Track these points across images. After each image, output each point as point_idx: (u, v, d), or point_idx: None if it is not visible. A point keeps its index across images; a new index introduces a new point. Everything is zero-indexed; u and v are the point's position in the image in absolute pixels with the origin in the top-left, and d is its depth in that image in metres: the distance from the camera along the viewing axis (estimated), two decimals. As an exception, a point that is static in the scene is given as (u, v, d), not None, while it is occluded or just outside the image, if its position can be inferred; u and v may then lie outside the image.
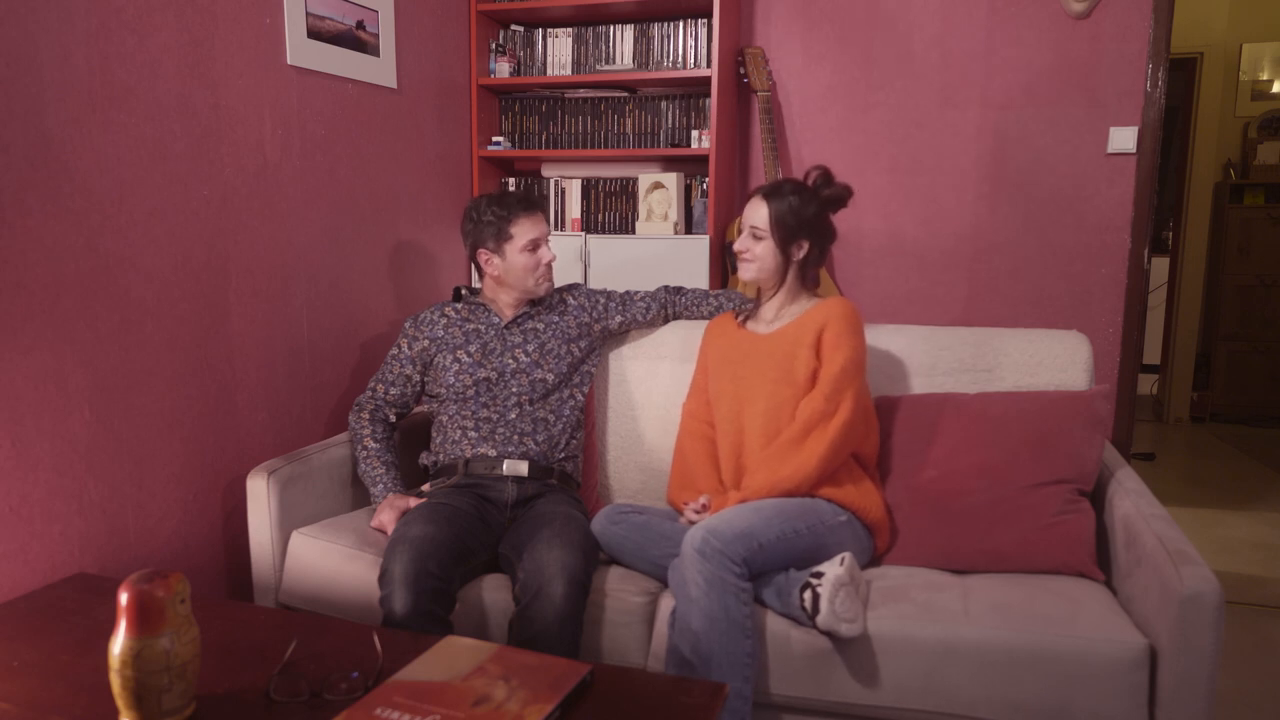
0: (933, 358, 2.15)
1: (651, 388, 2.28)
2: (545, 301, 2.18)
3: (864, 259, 3.13)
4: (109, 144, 1.76)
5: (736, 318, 2.08)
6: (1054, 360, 2.07)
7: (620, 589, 1.78)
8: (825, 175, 1.99)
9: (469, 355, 2.09)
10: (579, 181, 3.12)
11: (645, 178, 3.00)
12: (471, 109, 3.06)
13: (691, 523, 1.88)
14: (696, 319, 2.31)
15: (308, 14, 2.25)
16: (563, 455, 2.08)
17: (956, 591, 1.72)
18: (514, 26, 3.12)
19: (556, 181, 3.15)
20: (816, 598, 1.58)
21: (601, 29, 3.02)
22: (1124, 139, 2.83)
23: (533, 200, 2.12)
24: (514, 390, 2.06)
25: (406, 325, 2.18)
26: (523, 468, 1.99)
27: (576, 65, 3.05)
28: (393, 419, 2.16)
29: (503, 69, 3.08)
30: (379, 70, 2.54)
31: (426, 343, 2.13)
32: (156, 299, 1.89)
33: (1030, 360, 2.09)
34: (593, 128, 3.07)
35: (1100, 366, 2.92)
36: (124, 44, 1.78)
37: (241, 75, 2.07)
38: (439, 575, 1.67)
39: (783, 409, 1.88)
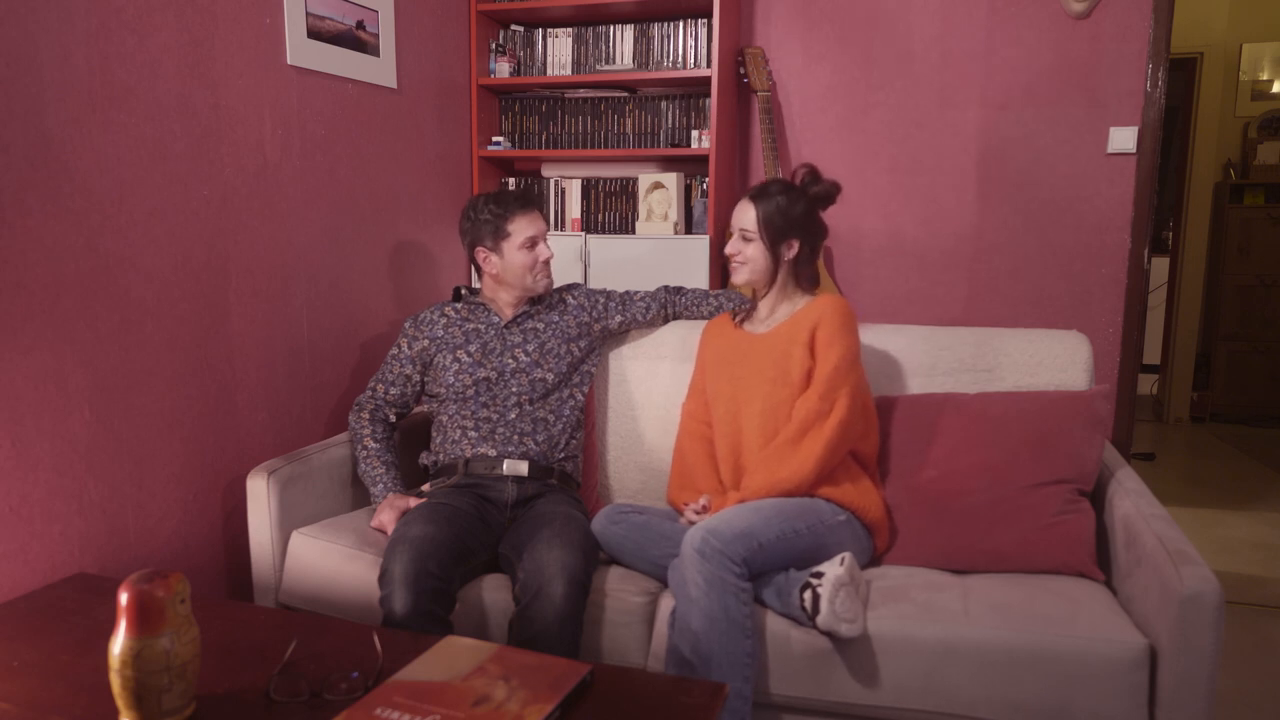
0: (933, 358, 2.15)
1: (651, 388, 2.28)
2: (545, 301, 2.18)
3: (864, 259, 3.13)
4: (109, 144, 1.76)
5: (734, 318, 2.09)
6: (1054, 360, 2.07)
7: (620, 589, 1.78)
8: (812, 173, 2.00)
9: (469, 355, 2.09)
10: (579, 181, 3.12)
11: (645, 178, 3.00)
12: (471, 109, 3.06)
13: (692, 523, 1.88)
14: (696, 319, 2.31)
15: (308, 14, 2.25)
16: (562, 455, 2.08)
17: (956, 591, 1.72)
18: (514, 26, 3.12)
19: (556, 181, 3.15)
20: (816, 598, 1.58)
21: (601, 29, 3.02)
22: (1124, 139, 2.83)
23: (530, 198, 2.13)
24: (514, 390, 2.06)
25: (406, 325, 2.18)
26: (523, 467, 1.99)
27: (576, 65, 3.05)
28: (393, 419, 2.16)
29: (503, 69, 3.09)
30: (379, 70, 2.54)
31: (426, 342, 2.13)
32: (156, 299, 1.89)
33: (1030, 360, 2.09)
34: (593, 128, 3.07)
35: (1100, 366, 2.92)
36: (124, 44, 1.78)
37: (241, 75, 2.07)
38: (439, 575, 1.67)
39: (780, 409, 1.88)
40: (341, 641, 1.37)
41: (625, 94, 3.04)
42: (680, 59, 2.96)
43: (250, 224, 2.13)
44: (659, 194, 3.00)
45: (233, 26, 2.04)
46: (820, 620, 1.56)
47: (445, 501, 1.87)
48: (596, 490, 2.28)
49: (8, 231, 1.58)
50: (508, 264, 2.08)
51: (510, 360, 2.08)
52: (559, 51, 3.07)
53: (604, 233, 3.09)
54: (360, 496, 2.21)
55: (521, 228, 2.07)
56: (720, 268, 2.98)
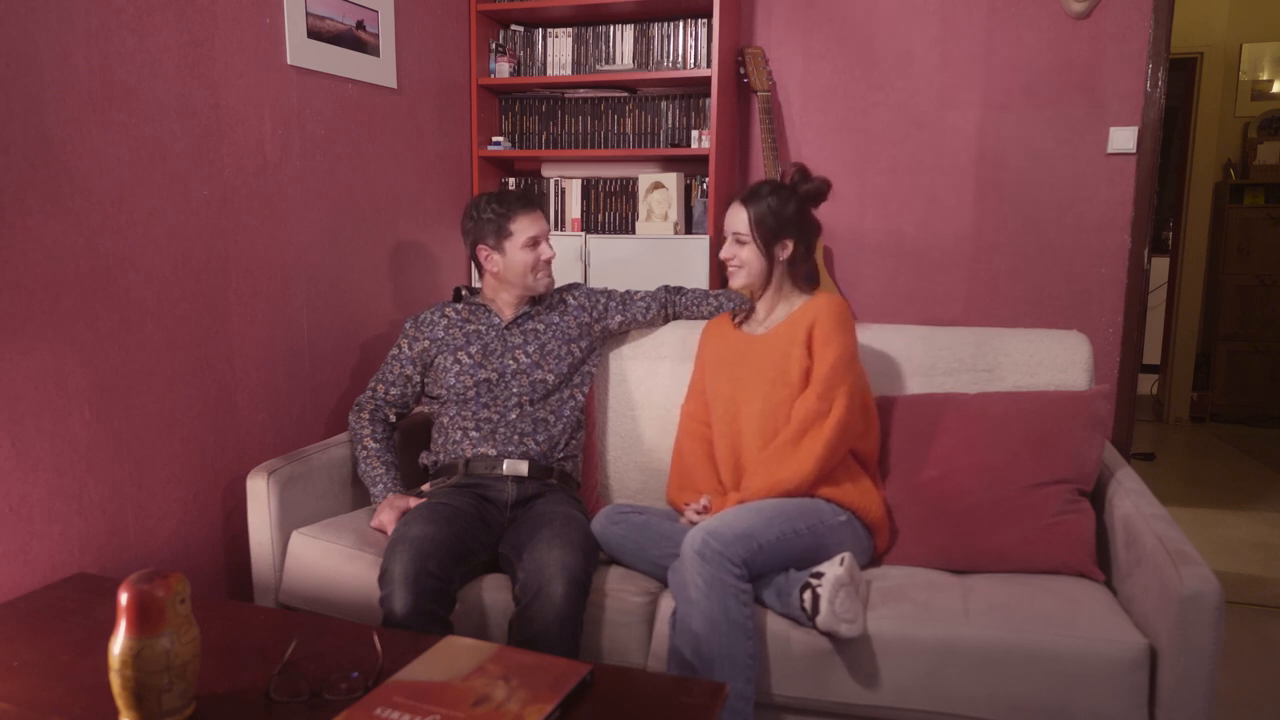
0: (933, 358, 2.15)
1: (651, 388, 2.28)
2: (546, 301, 2.18)
3: (864, 259, 3.13)
4: (109, 144, 1.76)
5: (733, 319, 2.09)
6: (1054, 360, 2.07)
7: (620, 589, 1.78)
8: (802, 171, 2.00)
9: (470, 356, 2.09)
10: (579, 181, 3.12)
11: (645, 178, 3.00)
12: (471, 109, 3.06)
13: (692, 523, 1.88)
14: (697, 319, 2.31)
15: (308, 14, 2.25)
16: (562, 455, 2.08)
17: (956, 591, 1.72)
18: (514, 26, 3.12)
19: (556, 181, 3.15)
20: (816, 598, 1.58)
21: (601, 29, 3.02)
22: (1124, 139, 2.83)
23: (532, 198, 2.13)
24: (514, 391, 2.06)
25: (407, 326, 2.18)
26: (523, 467, 1.99)
27: (576, 65, 3.05)
28: (393, 419, 2.16)
29: (503, 69, 3.08)
30: (379, 70, 2.54)
31: (427, 343, 2.13)
32: (156, 299, 1.89)
33: (1030, 360, 2.09)
34: (593, 128, 3.07)
35: (1100, 366, 2.92)
36: (124, 44, 1.78)
37: (241, 75, 2.07)
38: (439, 575, 1.67)
39: (779, 409, 1.88)
40: (341, 641, 1.37)
41: (625, 94, 3.04)
42: (680, 59, 2.95)
43: (250, 224, 2.13)
44: (659, 194, 3.00)
45: (233, 26, 2.04)
46: (820, 620, 1.56)
47: (445, 501, 1.87)
48: (596, 490, 2.28)
49: (8, 231, 1.58)
50: (510, 263, 2.08)
51: (511, 361, 2.08)
52: (559, 51, 3.07)
53: (604, 233, 3.09)
54: (360, 496, 2.21)
55: (524, 227, 2.07)
56: (720, 268, 2.97)
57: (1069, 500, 1.83)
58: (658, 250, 2.93)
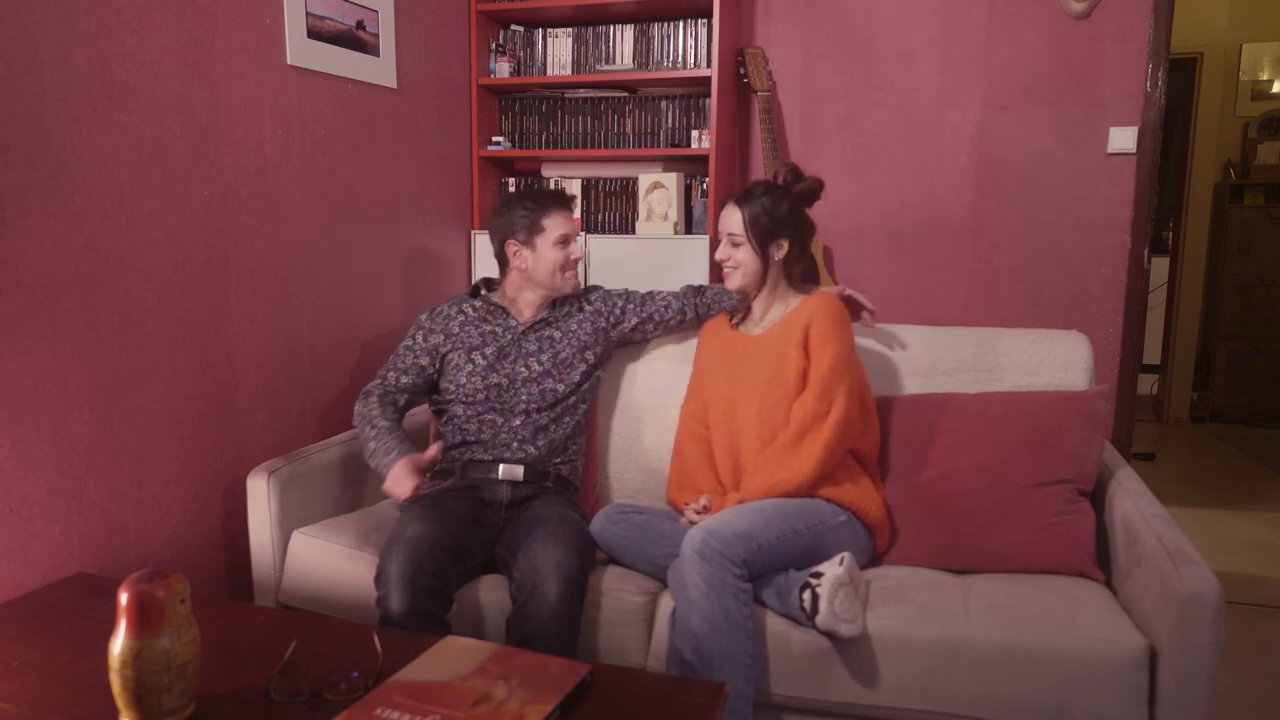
0: (933, 358, 2.15)
1: (651, 387, 2.28)
2: (564, 307, 2.15)
3: (864, 259, 3.13)
4: (109, 144, 1.76)
5: (730, 319, 2.09)
6: (1054, 360, 2.07)
7: (620, 588, 1.78)
8: (794, 171, 2.00)
9: (484, 358, 2.06)
10: (579, 181, 3.11)
11: (645, 178, 3.00)
12: (471, 109, 3.06)
13: (692, 523, 1.88)
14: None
15: (308, 14, 2.25)
16: (560, 460, 2.07)
17: (956, 591, 1.72)
18: (514, 26, 3.12)
19: (556, 181, 3.15)
20: (816, 598, 1.58)
21: (601, 29, 3.02)
22: (1124, 139, 2.83)
23: (565, 198, 2.12)
24: (523, 398, 2.03)
25: (422, 318, 2.15)
26: (518, 472, 1.98)
27: (576, 65, 3.05)
28: (402, 404, 2.11)
29: (503, 69, 3.08)
30: (379, 70, 2.54)
31: (441, 337, 2.10)
32: (156, 299, 1.89)
33: (1030, 360, 2.09)
34: (593, 128, 3.07)
35: (1100, 366, 2.92)
36: (124, 44, 1.78)
37: (241, 75, 2.07)
38: (435, 575, 1.67)
39: (776, 410, 1.88)
40: (341, 641, 1.37)
41: (625, 94, 3.04)
42: (680, 59, 2.95)
43: (250, 224, 2.13)
44: (659, 194, 3.00)
45: (233, 26, 2.04)
46: (819, 620, 1.56)
47: (440, 503, 1.87)
48: (596, 491, 2.28)
49: (8, 231, 1.58)
50: (539, 259, 2.05)
51: (523, 369, 2.06)
52: (559, 51, 3.07)
53: (604, 233, 3.09)
54: (360, 496, 2.21)
55: (557, 224, 2.05)
56: (718, 268, 2.97)
57: (1069, 500, 1.83)
58: (658, 250, 2.93)
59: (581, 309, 2.18)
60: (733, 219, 1.95)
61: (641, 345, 2.32)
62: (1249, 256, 5.11)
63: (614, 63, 3.02)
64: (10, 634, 1.41)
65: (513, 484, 1.98)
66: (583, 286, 2.20)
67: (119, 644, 1.11)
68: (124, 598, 1.11)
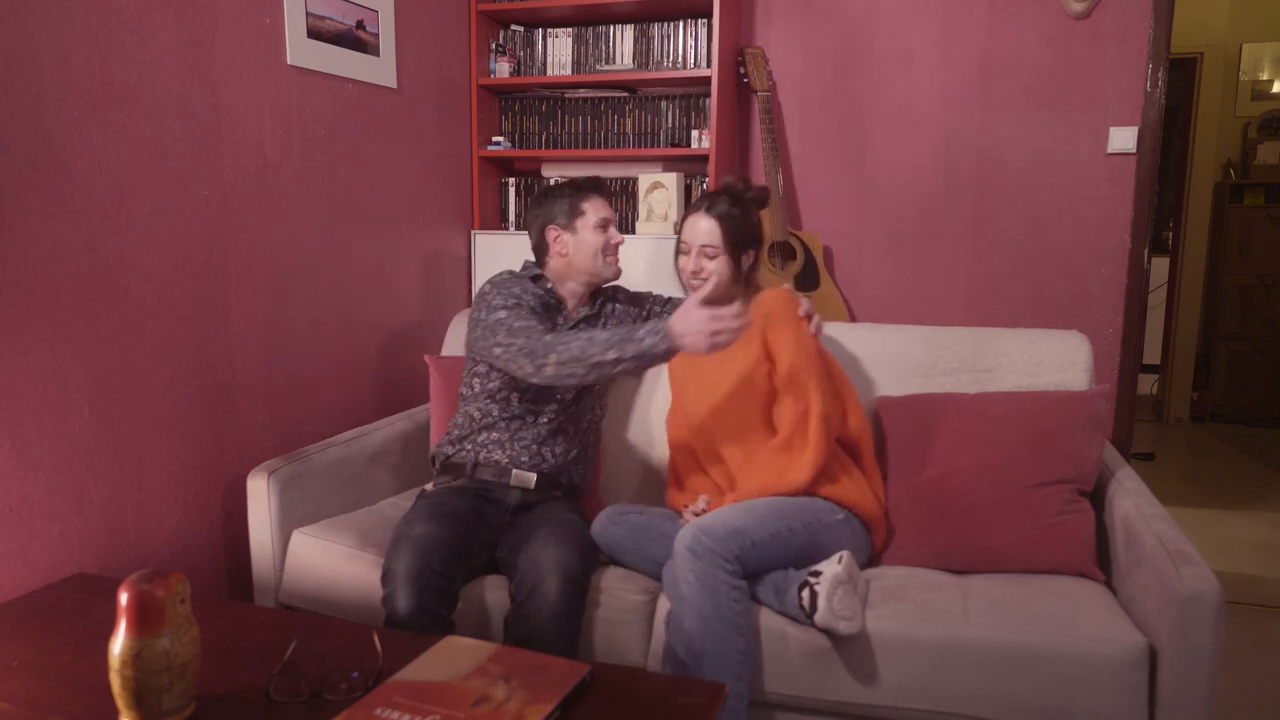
0: (933, 358, 2.15)
1: (652, 389, 2.28)
2: (604, 305, 2.11)
3: (864, 259, 3.13)
4: (109, 144, 1.76)
5: None
6: (1054, 360, 2.07)
7: (620, 588, 1.78)
8: (743, 179, 2.00)
9: None
10: (579, 181, 3.11)
11: (645, 178, 3.00)
12: (471, 109, 3.06)
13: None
14: None
15: (308, 14, 2.25)
16: (576, 465, 2.04)
17: (956, 591, 1.72)
18: (514, 26, 3.12)
19: (556, 181, 3.15)
20: (814, 596, 1.58)
21: (601, 29, 3.02)
22: (1124, 139, 2.83)
23: (601, 184, 2.08)
24: (556, 395, 2.00)
25: (515, 289, 1.96)
26: (530, 480, 1.96)
27: (576, 65, 3.05)
28: None
29: (503, 69, 3.08)
30: (379, 70, 2.54)
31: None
32: (156, 299, 1.89)
33: (1030, 360, 2.09)
34: (593, 128, 3.07)
35: (1100, 366, 2.92)
36: (124, 44, 1.78)
37: (241, 75, 2.07)
38: (442, 574, 1.67)
39: (749, 417, 1.89)
40: (341, 641, 1.37)
41: (625, 94, 3.04)
42: (680, 59, 2.95)
43: (250, 224, 2.13)
44: (659, 194, 3.00)
45: (233, 26, 2.04)
46: (818, 618, 1.56)
47: (445, 501, 1.87)
48: (598, 494, 2.27)
49: (8, 231, 1.58)
50: (580, 243, 1.99)
51: None
52: (559, 51, 3.07)
53: (604, 233, 3.09)
54: (360, 496, 2.21)
55: (596, 208, 2.01)
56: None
57: (1069, 500, 1.83)
58: (658, 250, 2.93)
59: (613, 310, 2.13)
60: (707, 230, 1.91)
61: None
62: (1249, 256, 5.11)
63: (614, 63, 3.02)
64: (10, 634, 1.41)
65: (522, 490, 1.97)
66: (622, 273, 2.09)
67: (119, 644, 1.11)
68: (124, 598, 1.11)
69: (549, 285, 2.04)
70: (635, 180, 3.04)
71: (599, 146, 3.06)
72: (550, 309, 2.02)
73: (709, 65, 2.89)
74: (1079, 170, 2.89)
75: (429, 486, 2.02)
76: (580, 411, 2.05)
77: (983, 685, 1.55)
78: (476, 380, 2.02)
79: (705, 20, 2.90)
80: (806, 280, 2.93)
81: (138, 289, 1.85)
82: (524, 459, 1.97)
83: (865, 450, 1.96)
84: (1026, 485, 1.84)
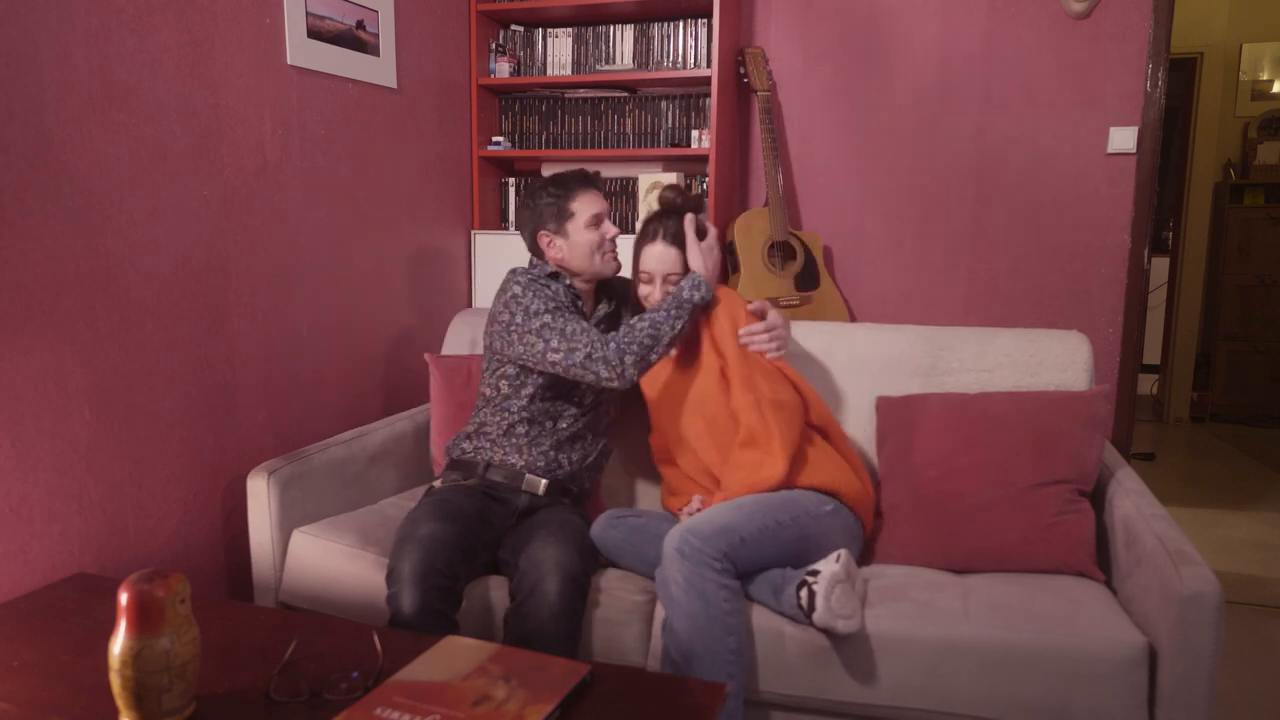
0: (933, 358, 2.15)
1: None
2: (615, 313, 2.09)
3: (864, 259, 3.13)
4: (109, 144, 1.76)
5: None
6: (1054, 360, 2.07)
7: (620, 588, 1.78)
8: (674, 189, 2.01)
9: None
10: (579, 181, 3.11)
11: (645, 178, 3.00)
12: (471, 109, 3.06)
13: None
14: None
15: (308, 14, 2.25)
16: (588, 471, 2.03)
17: (956, 591, 1.72)
18: (514, 26, 3.12)
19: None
20: (812, 595, 1.57)
21: (601, 29, 3.02)
22: (1124, 139, 2.83)
23: (590, 177, 2.00)
24: (575, 397, 1.98)
25: (545, 288, 1.92)
26: (540, 485, 1.95)
27: (576, 65, 3.05)
28: None
29: (503, 69, 3.08)
30: (379, 70, 2.54)
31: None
32: (156, 299, 1.89)
33: (1030, 360, 2.09)
34: (593, 128, 3.07)
35: (1100, 366, 2.92)
36: (124, 44, 1.78)
37: (241, 75, 2.07)
38: (446, 574, 1.66)
39: (716, 416, 1.91)
40: (341, 641, 1.37)
41: (625, 94, 3.04)
42: (680, 59, 2.96)
43: (250, 224, 2.13)
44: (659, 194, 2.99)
45: (233, 26, 2.04)
46: (817, 618, 1.56)
47: (451, 499, 1.86)
48: (600, 495, 2.27)
49: (8, 231, 1.58)
50: (574, 245, 1.95)
51: None
52: (559, 51, 3.07)
53: (604, 233, 3.09)
54: (361, 496, 2.21)
55: (585, 205, 1.95)
56: (720, 268, 2.97)
57: (1069, 500, 1.83)
58: (658, 250, 2.93)
59: (626, 296, 2.11)
60: (672, 259, 1.94)
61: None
62: (1249, 256, 5.11)
63: (614, 63, 3.02)
64: (10, 634, 1.41)
65: (531, 495, 1.96)
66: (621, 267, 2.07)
67: (119, 644, 1.11)
68: (124, 598, 1.11)
69: (568, 283, 2.00)
70: (635, 180, 3.04)
71: (599, 146, 3.06)
72: (575, 303, 1.99)
73: (709, 65, 2.89)
74: (1079, 170, 2.89)
75: (437, 483, 2.02)
76: (599, 416, 2.04)
77: (982, 685, 1.55)
78: (504, 382, 1.97)
79: (705, 20, 2.90)
80: (806, 280, 2.93)
81: (138, 289, 1.85)
82: (539, 464, 1.96)
83: (834, 433, 1.96)
84: (1026, 485, 1.84)
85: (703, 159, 3.01)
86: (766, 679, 1.65)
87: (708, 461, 1.94)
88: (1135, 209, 2.85)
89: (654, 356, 1.83)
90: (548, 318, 1.86)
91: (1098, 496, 1.92)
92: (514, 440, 1.97)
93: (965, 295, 3.04)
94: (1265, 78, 5.08)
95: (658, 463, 2.09)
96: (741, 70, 2.99)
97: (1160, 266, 5.47)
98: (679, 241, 1.93)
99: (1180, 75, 5.01)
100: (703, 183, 3.00)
